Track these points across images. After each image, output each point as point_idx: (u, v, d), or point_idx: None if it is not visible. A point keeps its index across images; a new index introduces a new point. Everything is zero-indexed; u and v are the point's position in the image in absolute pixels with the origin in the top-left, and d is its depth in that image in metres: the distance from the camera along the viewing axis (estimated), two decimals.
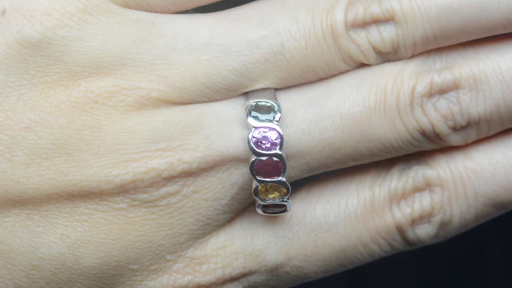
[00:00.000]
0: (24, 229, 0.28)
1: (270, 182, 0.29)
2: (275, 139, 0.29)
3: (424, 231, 0.31)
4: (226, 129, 0.29)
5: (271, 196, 0.29)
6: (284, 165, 0.29)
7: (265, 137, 0.29)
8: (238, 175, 0.29)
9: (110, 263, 0.29)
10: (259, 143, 0.29)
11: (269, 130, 0.29)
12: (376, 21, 0.30)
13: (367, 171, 0.31)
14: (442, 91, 0.30)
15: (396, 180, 0.31)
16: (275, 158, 0.29)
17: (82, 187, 0.28)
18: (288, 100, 0.30)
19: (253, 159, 0.29)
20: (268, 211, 0.30)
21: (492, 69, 0.30)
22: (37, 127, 0.28)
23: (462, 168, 0.31)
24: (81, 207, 0.28)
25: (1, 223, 0.28)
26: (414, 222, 0.31)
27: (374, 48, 0.30)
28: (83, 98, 0.28)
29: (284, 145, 0.29)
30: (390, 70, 0.30)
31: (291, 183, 0.30)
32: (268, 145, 0.29)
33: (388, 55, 0.30)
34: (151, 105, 0.29)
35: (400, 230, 0.31)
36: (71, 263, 0.28)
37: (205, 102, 0.29)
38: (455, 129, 0.30)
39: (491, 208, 0.31)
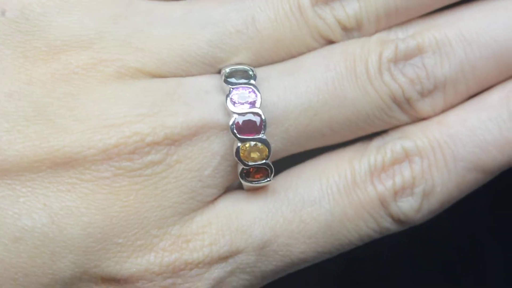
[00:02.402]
0: (5, 199, 0.27)
1: (251, 139, 0.29)
2: (253, 99, 0.29)
3: (408, 204, 0.31)
4: (204, 96, 0.29)
5: (253, 155, 0.29)
6: (264, 121, 0.29)
7: (242, 97, 0.29)
8: (219, 143, 0.29)
9: (95, 235, 0.28)
10: (237, 103, 0.29)
11: (246, 89, 0.29)
12: None
13: (345, 151, 0.32)
14: (407, 56, 0.31)
15: (375, 154, 0.31)
16: (254, 116, 0.29)
17: (64, 153, 0.28)
18: (262, 72, 0.31)
19: (233, 118, 0.29)
20: (251, 179, 0.30)
21: (453, 31, 0.31)
22: (17, 96, 0.28)
23: (438, 135, 0.31)
24: (64, 176, 0.28)
25: None
26: (396, 194, 0.31)
27: (339, 23, 0.31)
28: (62, 70, 0.29)
29: (262, 109, 0.29)
30: (356, 42, 0.31)
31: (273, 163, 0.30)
32: (247, 105, 0.29)
33: (352, 31, 0.31)
34: (130, 76, 0.29)
35: (383, 203, 0.31)
36: (54, 234, 0.27)
37: (182, 76, 0.30)
38: (423, 94, 0.31)
39: (472, 173, 0.31)
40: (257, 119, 0.29)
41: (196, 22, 0.30)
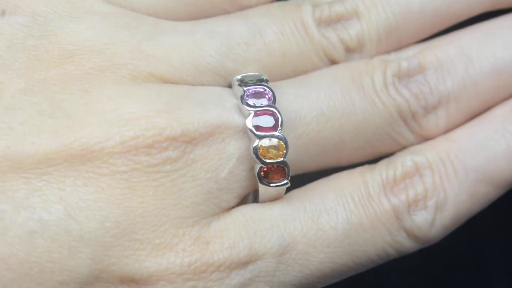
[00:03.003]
0: (20, 192, 0.26)
1: (269, 136, 0.29)
2: (268, 97, 0.29)
3: (421, 217, 0.31)
4: (217, 99, 0.29)
5: (271, 152, 0.29)
6: (280, 116, 0.29)
7: (257, 95, 0.29)
8: (235, 146, 0.29)
9: (113, 229, 0.27)
10: (252, 103, 0.29)
11: (261, 88, 0.29)
12: (341, 18, 0.32)
13: (355, 169, 0.32)
14: (410, 74, 0.32)
15: (386, 169, 0.31)
16: (270, 113, 0.29)
17: (81, 146, 0.27)
18: (273, 82, 0.31)
19: (251, 115, 0.29)
20: (268, 181, 0.29)
21: (453, 49, 0.32)
22: (31, 93, 0.27)
23: (447, 149, 0.31)
24: (80, 170, 0.27)
25: None
26: (410, 207, 0.30)
27: (343, 42, 0.32)
28: (75, 70, 0.28)
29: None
30: (359, 61, 0.32)
31: None
32: (262, 102, 0.29)
33: (354, 52, 0.32)
34: (143, 79, 0.29)
35: (398, 215, 0.30)
36: (71, 228, 0.26)
37: (193, 84, 0.30)
38: (427, 109, 0.32)
39: (483, 185, 0.31)
40: (273, 116, 0.29)
41: (205, 32, 0.30)
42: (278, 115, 0.29)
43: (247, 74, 0.30)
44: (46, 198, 0.26)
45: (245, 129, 0.29)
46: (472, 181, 0.31)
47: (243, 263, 0.28)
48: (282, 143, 0.29)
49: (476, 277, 0.37)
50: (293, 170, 0.30)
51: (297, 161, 0.30)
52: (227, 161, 0.29)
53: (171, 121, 0.28)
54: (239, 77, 0.30)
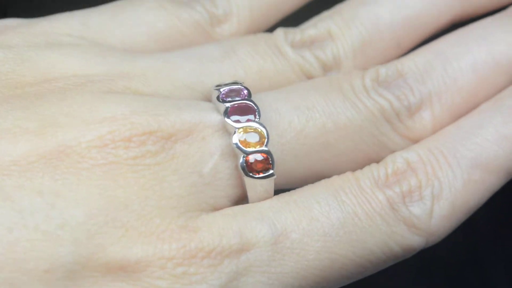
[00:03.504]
0: (1, 188, 0.26)
1: (246, 126, 0.29)
2: (242, 90, 0.30)
3: (418, 208, 0.30)
4: (194, 103, 0.30)
5: (250, 140, 0.29)
6: (255, 105, 0.29)
7: (231, 90, 0.30)
8: (216, 143, 0.29)
9: (96, 217, 0.26)
10: (227, 96, 0.30)
11: (234, 85, 0.30)
12: (315, 41, 0.33)
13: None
14: (389, 80, 0.32)
15: (376, 168, 0.31)
16: (247, 105, 0.29)
17: (58, 143, 0.27)
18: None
19: (226, 106, 0.29)
20: (253, 173, 0.29)
21: (430, 52, 0.33)
22: (6, 104, 0.28)
23: (435, 142, 0.31)
24: (60, 166, 0.27)
25: None
26: (405, 198, 0.30)
27: (318, 60, 0.33)
28: (51, 87, 0.29)
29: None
30: (336, 74, 0.33)
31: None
32: (235, 95, 0.30)
33: (332, 69, 0.33)
34: (120, 91, 0.30)
35: (393, 206, 0.30)
36: (53, 216, 0.26)
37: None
38: (411, 110, 0.32)
39: (478, 171, 0.31)
40: (251, 107, 0.29)
41: (176, 56, 0.31)
42: (255, 106, 0.29)
43: (223, 83, 0.31)
44: (26, 191, 0.26)
45: (224, 126, 0.29)
46: (465, 168, 0.31)
47: (236, 252, 0.28)
48: (262, 131, 0.29)
49: (475, 279, 0.36)
50: (280, 175, 0.30)
51: (283, 162, 0.30)
52: (209, 157, 0.29)
53: (147, 117, 0.28)
54: (216, 85, 0.30)
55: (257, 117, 0.29)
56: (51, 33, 0.32)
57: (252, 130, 0.29)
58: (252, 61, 0.32)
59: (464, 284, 0.37)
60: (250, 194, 0.29)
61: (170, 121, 0.28)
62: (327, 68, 0.33)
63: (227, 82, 0.31)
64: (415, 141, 0.32)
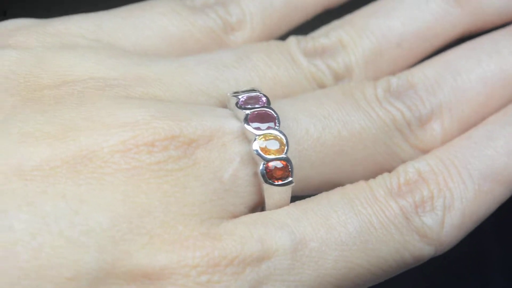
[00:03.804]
0: (23, 195, 0.25)
1: (267, 133, 0.29)
2: (259, 96, 0.30)
3: (430, 218, 0.30)
4: (213, 110, 0.30)
5: (271, 148, 0.29)
6: (275, 113, 0.29)
7: (250, 97, 0.30)
8: (236, 150, 0.29)
9: (120, 224, 0.26)
10: (246, 103, 0.29)
11: (253, 92, 0.30)
12: (327, 50, 0.33)
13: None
14: (400, 90, 0.32)
15: (389, 178, 0.31)
16: (266, 112, 0.29)
17: (81, 147, 0.27)
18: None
19: (246, 113, 0.29)
20: (273, 180, 0.29)
21: (440, 64, 0.33)
22: (27, 107, 0.28)
23: (447, 152, 0.32)
24: (83, 171, 0.26)
25: None
26: (417, 208, 0.30)
27: (330, 69, 0.33)
28: (70, 90, 0.29)
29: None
30: (348, 83, 0.33)
31: None
32: (255, 102, 0.30)
33: (344, 78, 0.33)
34: (138, 97, 0.29)
35: (406, 215, 0.30)
36: (77, 223, 0.25)
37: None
38: (422, 120, 0.32)
39: (488, 183, 0.31)
40: (270, 115, 0.29)
41: (191, 60, 0.31)
42: (275, 114, 0.29)
43: (240, 90, 0.31)
44: (49, 197, 0.26)
45: (243, 133, 0.29)
46: (476, 179, 0.31)
47: (257, 260, 0.28)
48: (282, 138, 0.29)
49: (476, 280, 0.37)
50: (296, 182, 0.30)
51: (300, 169, 0.30)
52: (229, 163, 0.29)
53: (169, 122, 0.28)
54: (233, 92, 0.30)
55: (277, 124, 0.29)
56: (65, 34, 0.31)
57: (272, 138, 0.29)
58: (267, 68, 0.32)
59: (464, 284, 0.37)
60: (267, 201, 0.29)
61: (191, 126, 0.28)
62: (338, 77, 0.33)
63: (243, 88, 0.31)
64: (425, 151, 0.32)
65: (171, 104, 0.29)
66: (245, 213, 0.29)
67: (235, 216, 0.29)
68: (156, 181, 0.27)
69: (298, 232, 0.28)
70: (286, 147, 0.29)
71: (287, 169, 0.29)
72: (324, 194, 0.30)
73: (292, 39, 0.33)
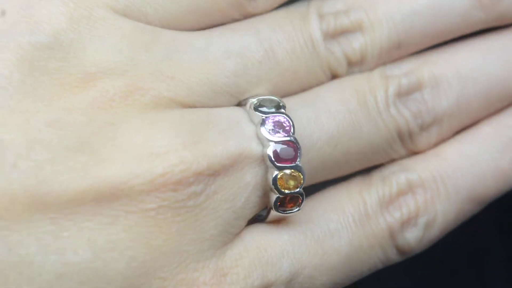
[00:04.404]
0: (48, 234, 0.25)
1: (288, 168, 0.29)
2: (287, 127, 0.29)
3: (412, 235, 0.32)
4: (236, 126, 0.29)
5: (289, 184, 0.29)
6: (299, 148, 0.29)
7: (277, 125, 0.29)
8: (252, 174, 0.29)
9: (139, 269, 0.26)
10: (272, 131, 0.29)
11: (280, 117, 0.29)
12: (345, 31, 0.32)
13: (351, 183, 0.33)
14: (409, 91, 0.32)
15: (382, 186, 0.32)
16: (290, 144, 0.29)
17: (109, 184, 0.26)
18: (285, 102, 0.31)
19: (271, 147, 0.29)
20: (283, 209, 0.29)
21: (449, 68, 0.33)
22: (58, 126, 0.26)
23: (439, 167, 0.33)
24: (108, 208, 0.26)
25: (24, 230, 0.25)
26: (403, 225, 0.32)
27: (346, 56, 0.32)
28: (100, 98, 0.27)
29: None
30: (362, 77, 0.32)
31: None
32: (282, 133, 0.29)
33: (355, 66, 0.32)
34: (165, 105, 0.28)
35: (392, 234, 0.32)
36: (98, 269, 0.26)
37: (209, 106, 0.30)
38: (423, 127, 0.33)
39: (469, 204, 0.33)
40: (294, 147, 0.29)
41: (219, 51, 0.30)
42: (298, 145, 0.29)
43: (263, 97, 0.30)
44: (74, 239, 0.26)
45: (263, 158, 0.29)
46: (461, 200, 0.32)
47: None
48: (300, 174, 0.29)
49: (475, 282, 0.39)
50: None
51: (308, 179, 0.31)
52: (244, 189, 0.29)
53: (197, 155, 0.28)
54: (255, 100, 0.30)
55: (298, 158, 0.29)
56: (93, 7, 0.29)
57: (292, 174, 0.29)
58: (289, 63, 0.31)
59: (463, 283, 0.39)
60: (270, 219, 0.30)
61: (217, 157, 0.28)
62: (351, 64, 0.32)
63: (261, 90, 0.31)
64: (417, 152, 0.33)
65: (196, 119, 0.28)
66: (243, 227, 0.30)
67: (236, 234, 0.29)
68: (176, 219, 0.27)
69: (297, 261, 0.30)
70: (302, 182, 0.29)
71: (298, 202, 0.29)
72: (321, 211, 0.31)
73: (315, 20, 0.32)
